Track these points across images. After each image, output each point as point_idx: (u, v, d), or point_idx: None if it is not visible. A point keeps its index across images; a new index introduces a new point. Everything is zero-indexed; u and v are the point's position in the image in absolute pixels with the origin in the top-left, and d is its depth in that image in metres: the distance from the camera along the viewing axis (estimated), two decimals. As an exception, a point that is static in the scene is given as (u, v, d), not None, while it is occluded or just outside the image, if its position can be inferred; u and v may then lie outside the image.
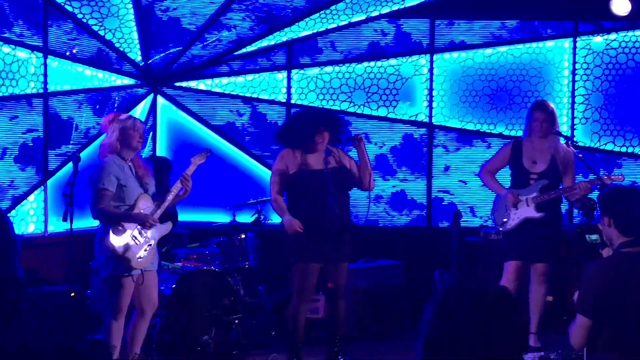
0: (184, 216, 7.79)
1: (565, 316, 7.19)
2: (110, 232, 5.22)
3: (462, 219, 7.56)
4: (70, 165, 5.69)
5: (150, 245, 5.39)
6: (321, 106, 8.24)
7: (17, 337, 1.69)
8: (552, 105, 6.65)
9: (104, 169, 5.25)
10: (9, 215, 6.79)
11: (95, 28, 7.94)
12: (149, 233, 5.38)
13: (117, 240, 5.24)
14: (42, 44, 7.49)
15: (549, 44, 8.24)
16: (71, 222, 5.32)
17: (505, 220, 6.51)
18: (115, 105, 8.10)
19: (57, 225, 7.53)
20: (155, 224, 5.37)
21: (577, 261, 7.51)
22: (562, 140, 6.82)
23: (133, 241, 5.29)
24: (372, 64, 8.29)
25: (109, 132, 5.33)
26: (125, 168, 5.33)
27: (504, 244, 6.64)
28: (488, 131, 8.26)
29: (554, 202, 6.51)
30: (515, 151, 6.57)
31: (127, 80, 8.23)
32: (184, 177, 5.51)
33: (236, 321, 6.49)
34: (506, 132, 8.22)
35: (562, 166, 6.51)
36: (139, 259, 5.31)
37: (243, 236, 7.06)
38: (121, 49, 8.12)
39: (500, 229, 6.61)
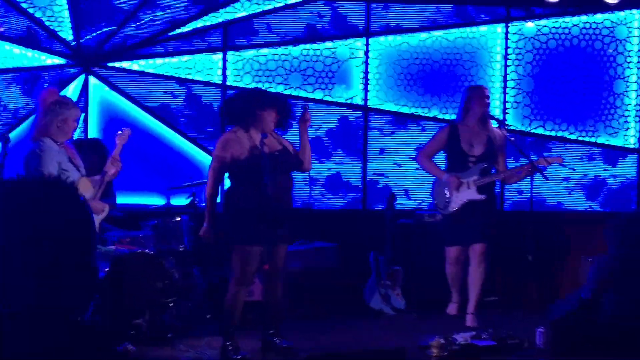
0: (119, 199, 7.69)
1: (494, 297, 7.35)
2: None
3: (397, 202, 7.69)
4: (-1, 146, 5.54)
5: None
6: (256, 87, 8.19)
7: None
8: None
9: (44, 152, 5.12)
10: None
11: (25, 6, 7.73)
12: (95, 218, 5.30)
13: None
14: (-32, 22, 7.27)
15: (483, 28, 8.35)
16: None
17: (447, 202, 6.60)
18: (45, 85, 7.91)
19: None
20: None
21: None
22: (495, 124, 6.96)
23: None
24: (308, 46, 8.28)
25: (49, 113, 5.17)
26: (62, 153, 5.23)
27: (445, 229, 6.75)
28: (422, 114, 8.34)
29: (491, 183, 6.65)
30: (452, 135, 6.68)
31: (57, 60, 8.04)
32: (114, 157, 5.44)
33: (170, 304, 6.43)
34: (440, 116, 8.31)
35: (498, 149, 6.65)
36: None
37: (178, 219, 7.00)
38: (52, 27, 7.93)
39: (442, 212, 6.70)
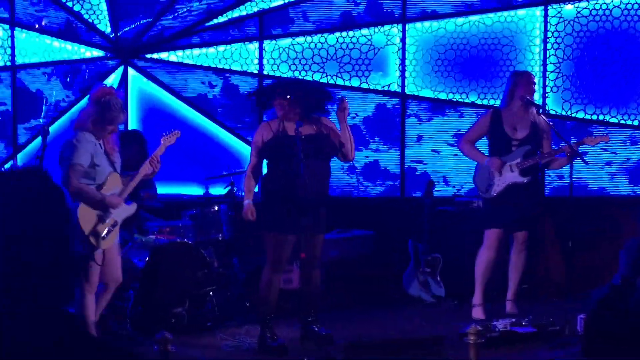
0: (158, 189, 7.76)
1: (526, 285, 7.27)
2: (79, 209, 5.19)
3: (435, 189, 7.65)
4: (39, 138, 5.63)
5: (114, 225, 5.36)
6: (294, 77, 8.21)
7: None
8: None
9: (80, 144, 5.17)
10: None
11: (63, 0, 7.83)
12: (115, 213, 5.36)
13: (84, 218, 5.20)
14: (8, 16, 7.37)
15: (521, 12, 8.24)
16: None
17: (489, 186, 6.54)
18: (86, 77, 8.01)
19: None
20: (122, 205, 5.35)
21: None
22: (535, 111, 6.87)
23: (99, 220, 5.26)
24: (344, 34, 8.25)
25: (95, 109, 5.21)
26: (97, 146, 5.27)
27: (486, 212, 6.68)
28: (460, 100, 8.27)
29: (535, 168, 6.57)
30: (494, 119, 6.61)
31: (96, 52, 8.13)
32: (153, 158, 5.46)
33: (210, 293, 6.49)
34: (478, 102, 8.23)
35: (542, 133, 6.57)
36: (102, 239, 5.29)
37: (216, 208, 7.05)
38: (90, 20, 8.02)
39: (484, 195, 6.63)
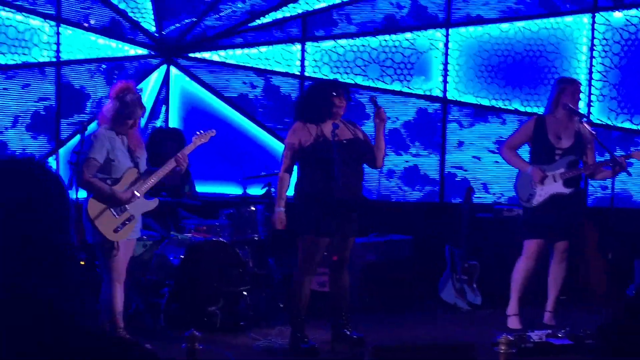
0: (196, 188, 7.81)
1: (565, 296, 7.13)
2: (90, 202, 5.26)
3: (475, 195, 7.56)
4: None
5: (130, 219, 5.38)
6: (334, 79, 8.20)
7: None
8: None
9: (97, 139, 5.26)
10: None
11: (109, -3, 7.92)
12: (131, 208, 5.39)
13: (94, 211, 5.25)
14: (55, 13, 7.48)
15: (568, 19, 8.11)
16: (77, 190, 5.33)
17: (531, 195, 6.41)
18: (130, 73, 8.10)
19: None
20: (136, 199, 5.36)
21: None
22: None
23: (111, 213, 5.29)
24: (387, 37, 8.21)
25: (115, 103, 5.29)
26: (117, 141, 5.32)
27: (526, 221, 6.55)
28: (503, 107, 8.17)
29: (578, 178, 6.44)
30: (538, 127, 6.47)
31: (140, 51, 8.21)
32: (179, 156, 5.47)
33: (244, 293, 6.49)
34: (521, 108, 8.13)
35: (586, 143, 6.43)
36: (115, 232, 5.32)
37: (253, 208, 7.05)
38: (135, 18, 8.10)
39: (525, 204, 6.51)
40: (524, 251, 6.53)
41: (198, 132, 5.75)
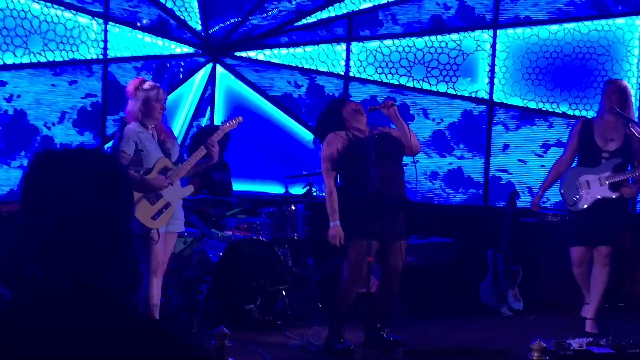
0: (238, 186, 7.85)
1: (623, 303, 6.99)
2: None
3: (519, 200, 7.43)
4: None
5: (166, 206, 5.43)
6: (379, 80, 8.16)
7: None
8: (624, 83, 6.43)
9: (124, 134, 5.38)
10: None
11: (157, -4, 8.00)
12: (167, 195, 5.43)
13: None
14: (102, 10, 7.58)
15: (619, 21, 7.93)
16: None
17: (576, 199, 6.27)
18: (181, 71, 8.17)
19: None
20: (168, 185, 5.41)
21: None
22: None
23: (147, 201, 5.35)
24: (433, 38, 8.13)
25: (133, 100, 5.44)
26: (145, 134, 5.43)
27: (571, 227, 6.41)
28: (551, 110, 8.03)
29: (625, 183, 6.28)
30: (585, 130, 6.34)
31: (186, 49, 8.28)
32: (209, 142, 5.54)
33: (282, 292, 6.49)
34: (570, 112, 7.97)
35: (636, 147, 6.26)
36: (152, 219, 5.37)
37: (293, 208, 7.05)
38: (182, 17, 8.17)
39: (571, 208, 6.37)
40: (572, 260, 6.39)
41: (225, 120, 5.86)
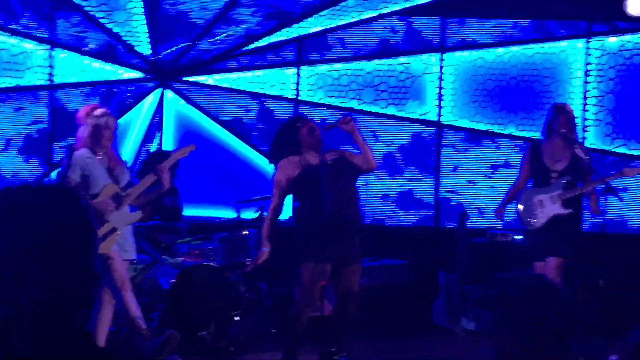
0: (189, 211, 7.77)
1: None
2: None
3: (469, 220, 7.50)
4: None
5: (112, 231, 5.39)
6: (329, 104, 8.19)
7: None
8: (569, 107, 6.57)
9: (73, 160, 5.39)
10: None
11: (103, 21, 7.93)
12: (113, 220, 5.39)
13: None
14: (48, 36, 7.50)
15: (563, 44, 8.12)
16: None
17: (532, 219, 6.39)
18: (129, 96, 8.10)
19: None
20: (113, 209, 5.36)
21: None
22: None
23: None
24: (381, 61, 8.21)
25: (83, 126, 5.43)
26: (94, 160, 5.43)
27: (529, 245, 6.51)
28: (498, 131, 8.15)
29: (577, 199, 6.41)
30: (534, 152, 6.47)
31: (135, 74, 8.21)
32: (158, 169, 5.52)
33: (235, 317, 6.44)
34: (516, 133, 8.11)
35: (584, 165, 6.39)
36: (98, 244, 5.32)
37: (245, 232, 7.01)
38: (129, 42, 8.11)
39: (528, 227, 6.47)
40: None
41: (177, 148, 5.87)
